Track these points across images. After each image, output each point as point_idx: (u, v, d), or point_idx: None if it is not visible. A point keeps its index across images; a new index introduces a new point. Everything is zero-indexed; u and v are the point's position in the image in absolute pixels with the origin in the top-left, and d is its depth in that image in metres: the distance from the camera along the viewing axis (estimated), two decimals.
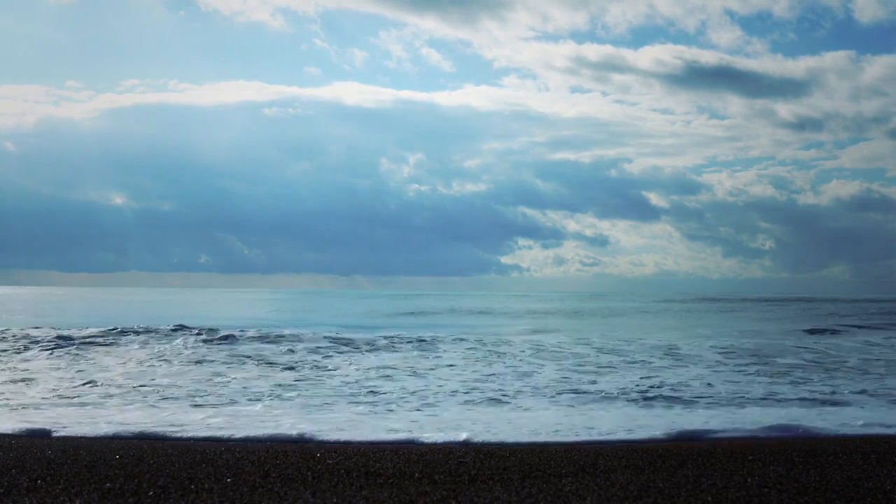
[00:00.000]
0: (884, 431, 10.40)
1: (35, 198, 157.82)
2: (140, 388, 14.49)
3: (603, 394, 14.23)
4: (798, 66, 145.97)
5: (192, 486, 6.01)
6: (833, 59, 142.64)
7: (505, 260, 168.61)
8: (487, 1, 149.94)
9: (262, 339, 25.48)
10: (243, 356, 20.50)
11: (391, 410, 12.24)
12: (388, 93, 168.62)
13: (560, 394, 14.16)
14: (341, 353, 21.97)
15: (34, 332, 25.63)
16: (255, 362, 19.24)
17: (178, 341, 23.94)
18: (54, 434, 9.57)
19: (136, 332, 26.16)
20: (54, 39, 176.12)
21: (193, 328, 27.59)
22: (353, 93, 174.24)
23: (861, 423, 10.98)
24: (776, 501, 5.63)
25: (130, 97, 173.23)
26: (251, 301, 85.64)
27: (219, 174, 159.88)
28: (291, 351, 22.08)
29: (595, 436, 9.87)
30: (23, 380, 15.54)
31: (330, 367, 18.46)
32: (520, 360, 20.09)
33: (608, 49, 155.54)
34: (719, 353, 22.33)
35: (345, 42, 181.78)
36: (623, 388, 14.87)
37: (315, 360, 19.82)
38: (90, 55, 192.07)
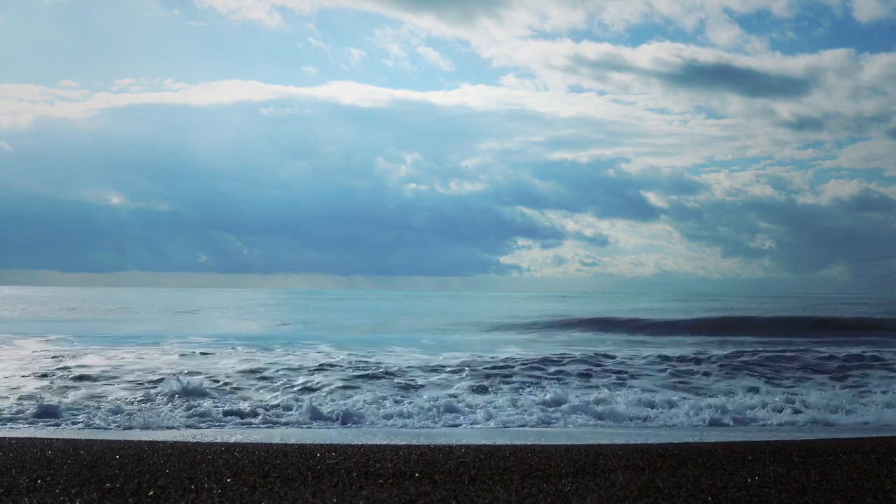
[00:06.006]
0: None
1: (33, 198, 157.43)
2: None
3: None
4: (797, 64, 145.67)
5: (192, 486, 6.01)
6: (832, 57, 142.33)
7: (504, 260, 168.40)
8: None
9: None
10: None
11: None
12: (385, 92, 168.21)
13: None
14: None
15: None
16: None
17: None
18: None
19: None
20: (48, 38, 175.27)
21: None
22: (350, 92, 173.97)
23: None
24: (776, 501, 5.63)
25: (126, 97, 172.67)
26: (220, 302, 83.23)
27: (216, 174, 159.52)
28: None
29: None
30: None
31: None
32: None
33: (606, 47, 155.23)
34: None
35: (341, 41, 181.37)
36: None
37: None
38: (84, 54, 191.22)
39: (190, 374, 16.18)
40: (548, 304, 70.66)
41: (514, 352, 22.70)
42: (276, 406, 12.81)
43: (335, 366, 18.36)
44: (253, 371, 17.30)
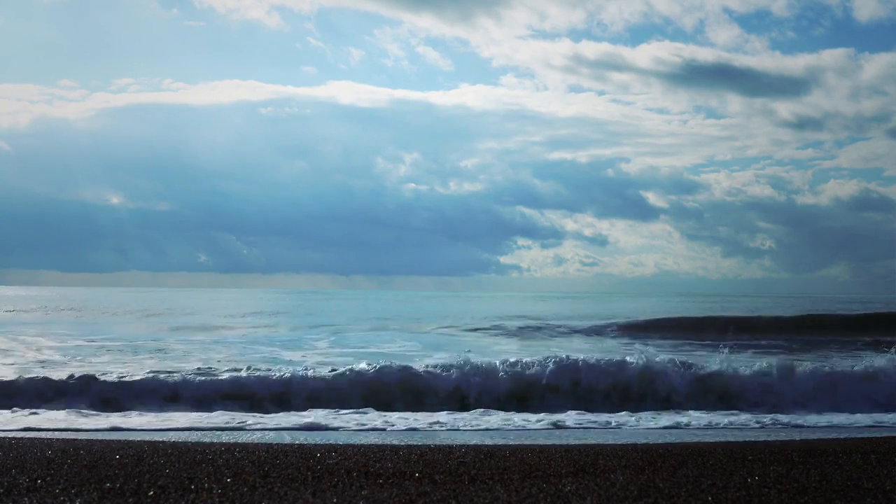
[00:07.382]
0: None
1: (33, 198, 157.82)
2: None
3: None
4: (797, 64, 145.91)
5: (192, 486, 6.01)
6: (832, 57, 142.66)
7: (504, 260, 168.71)
8: None
9: None
10: None
11: None
12: (384, 92, 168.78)
13: None
14: None
15: None
16: None
17: None
18: None
19: None
20: (47, 37, 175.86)
21: None
22: (349, 92, 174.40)
23: None
24: (776, 501, 5.62)
25: (124, 97, 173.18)
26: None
27: (215, 174, 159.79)
28: None
29: None
30: None
31: None
32: None
33: (606, 47, 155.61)
34: None
35: (340, 40, 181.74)
36: None
37: None
38: (83, 53, 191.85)
39: None
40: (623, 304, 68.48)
41: None
42: None
43: None
44: None
